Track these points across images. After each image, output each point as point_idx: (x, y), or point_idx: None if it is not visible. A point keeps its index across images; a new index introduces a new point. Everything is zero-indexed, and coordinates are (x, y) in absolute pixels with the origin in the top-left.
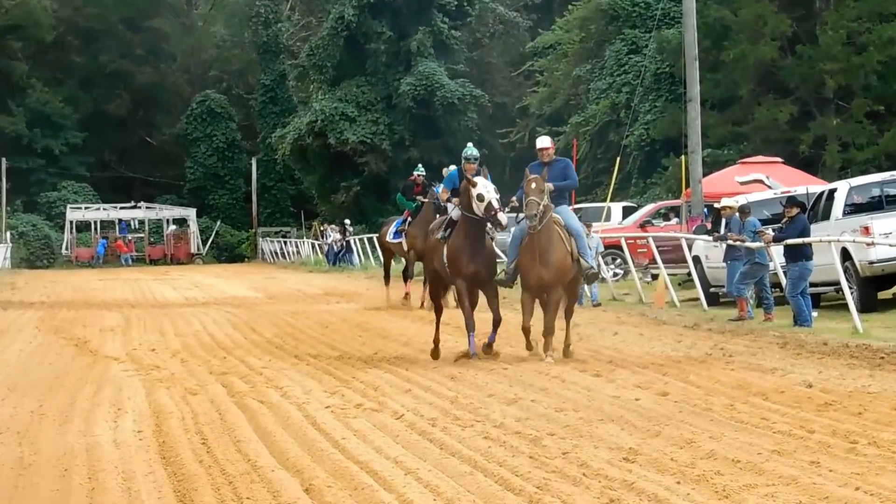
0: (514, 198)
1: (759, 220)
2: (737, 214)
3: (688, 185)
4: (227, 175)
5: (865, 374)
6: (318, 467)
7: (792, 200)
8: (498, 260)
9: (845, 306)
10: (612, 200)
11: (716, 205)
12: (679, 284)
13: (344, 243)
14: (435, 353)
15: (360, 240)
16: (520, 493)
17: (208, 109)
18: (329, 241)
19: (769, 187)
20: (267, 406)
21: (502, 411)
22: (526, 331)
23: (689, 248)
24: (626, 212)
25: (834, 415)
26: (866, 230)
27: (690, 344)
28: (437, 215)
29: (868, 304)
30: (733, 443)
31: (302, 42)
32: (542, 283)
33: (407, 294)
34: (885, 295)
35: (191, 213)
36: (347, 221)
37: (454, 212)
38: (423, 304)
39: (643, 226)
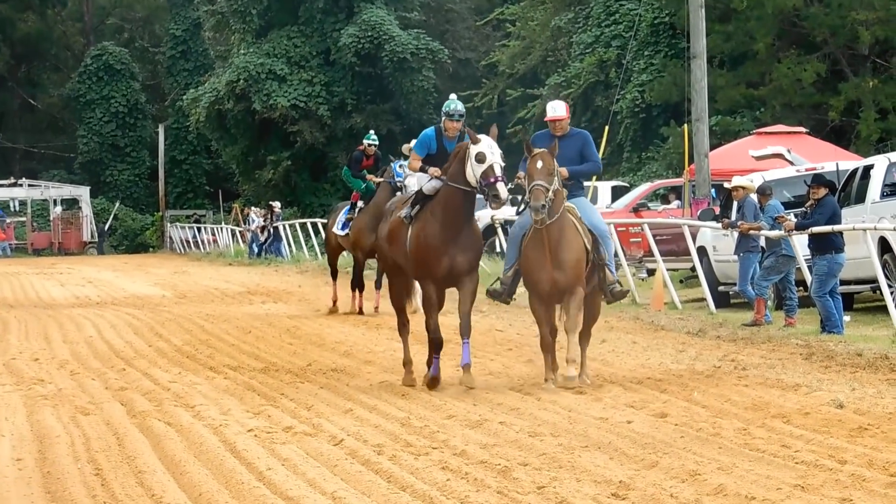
0: (521, 173)
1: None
2: (752, 196)
3: (692, 161)
4: (129, 146)
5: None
6: None
7: (819, 179)
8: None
9: (884, 308)
10: (598, 179)
11: (726, 184)
12: (681, 282)
13: (271, 230)
14: (409, 379)
15: (290, 226)
16: None
17: (105, 66)
18: (253, 227)
19: (791, 163)
20: (175, 429)
21: (464, 436)
22: (548, 346)
23: (694, 237)
24: (617, 193)
25: (870, 441)
26: None
27: (695, 354)
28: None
29: None
30: (747, 475)
31: None
32: (556, 287)
33: (360, 308)
34: None
35: (83, 193)
36: (277, 204)
37: (429, 184)
38: (360, 309)
39: (637, 210)
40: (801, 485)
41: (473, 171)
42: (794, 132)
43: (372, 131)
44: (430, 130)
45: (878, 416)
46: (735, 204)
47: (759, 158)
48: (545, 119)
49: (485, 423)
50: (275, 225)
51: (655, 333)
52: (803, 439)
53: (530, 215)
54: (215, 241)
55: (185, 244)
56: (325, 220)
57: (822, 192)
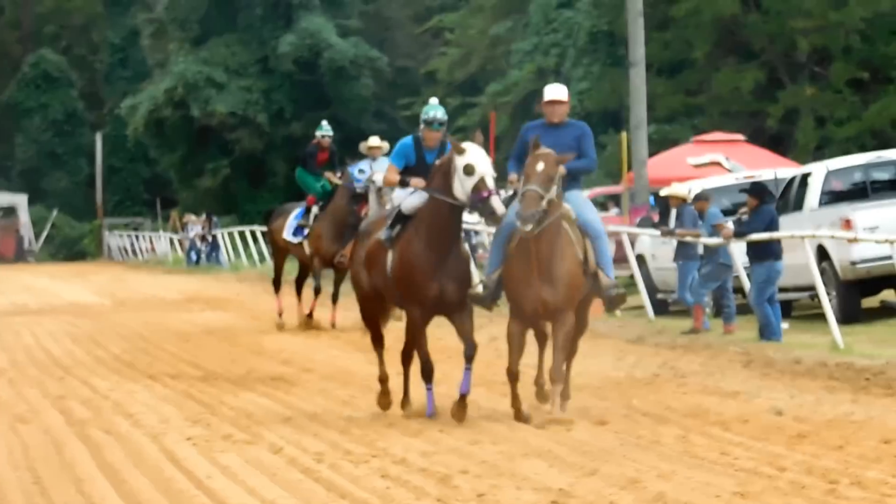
0: (513, 175)
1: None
2: (691, 204)
3: (630, 168)
4: (66, 154)
5: (847, 400)
6: None
7: (757, 187)
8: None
9: (822, 316)
10: None
11: (664, 192)
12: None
13: (210, 239)
14: (384, 400)
15: (229, 234)
16: None
17: (43, 73)
18: (191, 235)
19: (729, 170)
20: (114, 437)
21: (404, 444)
22: (513, 376)
23: (632, 244)
24: None
25: (809, 449)
26: (847, 224)
27: (634, 362)
28: (355, 206)
29: (850, 314)
30: (687, 483)
31: None
32: (544, 307)
33: (310, 313)
34: (869, 303)
35: (20, 201)
36: (207, 218)
37: (409, 199)
38: (333, 324)
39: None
40: (740, 492)
41: (462, 186)
42: (733, 140)
43: (325, 122)
44: (407, 140)
45: (817, 423)
46: (674, 211)
47: (697, 166)
48: (542, 103)
49: (425, 431)
50: (213, 233)
51: (595, 341)
52: (743, 446)
53: (516, 222)
54: (153, 248)
55: (124, 252)
56: (266, 225)
57: (760, 200)
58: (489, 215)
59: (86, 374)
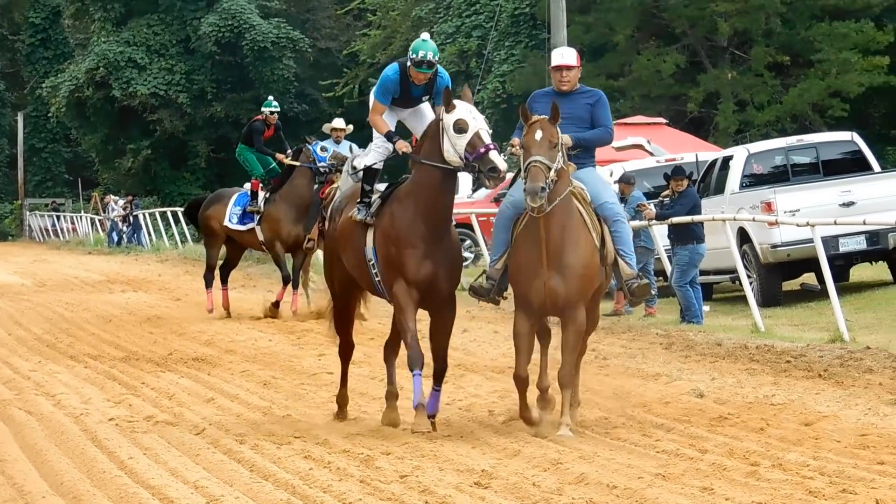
0: (515, 139)
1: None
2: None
3: None
4: None
5: (768, 382)
6: (100, 493)
7: (678, 171)
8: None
9: (743, 299)
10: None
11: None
12: None
13: (131, 219)
14: (342, 414)
15: (150, 215)
16: None
17: None
18: (113, 216)
19: (650, 154)
20: (36, 418)
21: (327, 426)
22: (522, 381)
23: None
24: None
25: (730, 431)
26: (768, 206)
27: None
28: (317, 186)
29: (771, 297)
30: (609, 464)
31: None
32: (554, 301)
33: (277, 302)
34: (790, 286)
35: None
36: (129, 199)
37: (375, 152)
38: (295, 311)
39: (498, 200)
40: (662, 474)
41: (454, 146)
42: (654, 123)
43: (271, 97)
44: (392, 71)
45: (738, 405)
46: None
47: (619, 149)
48: (549, 68)
49: (347, 412)
50: (135, 214)
51: None
52: (664, 428)
53: (525, 200)
54: (75, 229)
55: (45, 232)
56: (198, 214)
57: (683, 183)
58: (489, 172)
59: (7, 354)
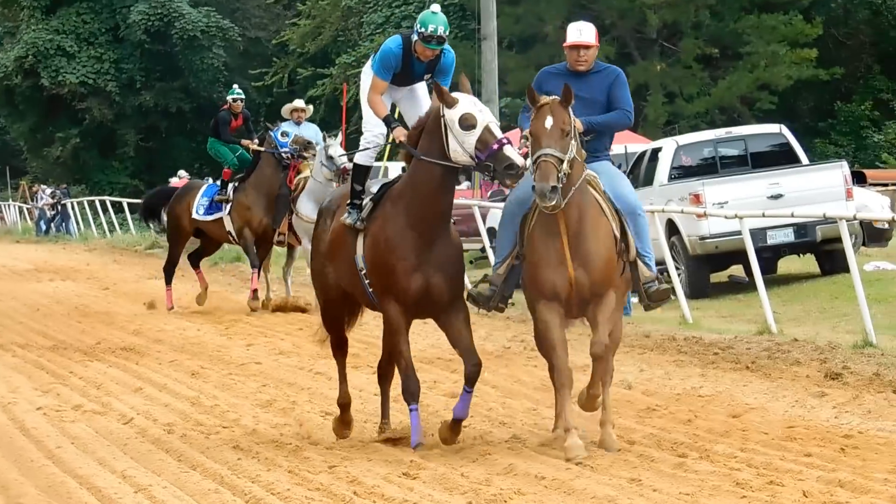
0: (525, 131)
1: None
2: None
3: None
4: None
5: (696, 374)
6: (28, 482)
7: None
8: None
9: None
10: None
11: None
12: (471, 262)
13: (59, 208)
14: (342, 427)
15: (79, 203)
16: None
17: None
18: (41, 204)
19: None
20: None
21: (255, 416)
22: (567, 379)
23: (484, 218)
24: None
25: (658, 422)
26: (697, 198)
27: (485, 335)
28: (283, 174)
29: (699, 289)
30: (537, 456)
31: None
32: (579, 292)
33: (254, 291)
34: (718, 278)
35: None
36: (59, 188)
37: (370, 146)
38: (255, 291)
39: (495, 195)
40: (590, 465)
41: (462, 144)
42: None
43: (236, 86)
44: (394, 45)
45: (666, 396)
46: None
47: None
48: (564, 45)
49: (275, 402)
50: (63, 202)
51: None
52: (592, 420)
53: (536, 199)
54: (2, 218)
55: None
56: (149, 204)
57: None
58: (506, 170)
59: None
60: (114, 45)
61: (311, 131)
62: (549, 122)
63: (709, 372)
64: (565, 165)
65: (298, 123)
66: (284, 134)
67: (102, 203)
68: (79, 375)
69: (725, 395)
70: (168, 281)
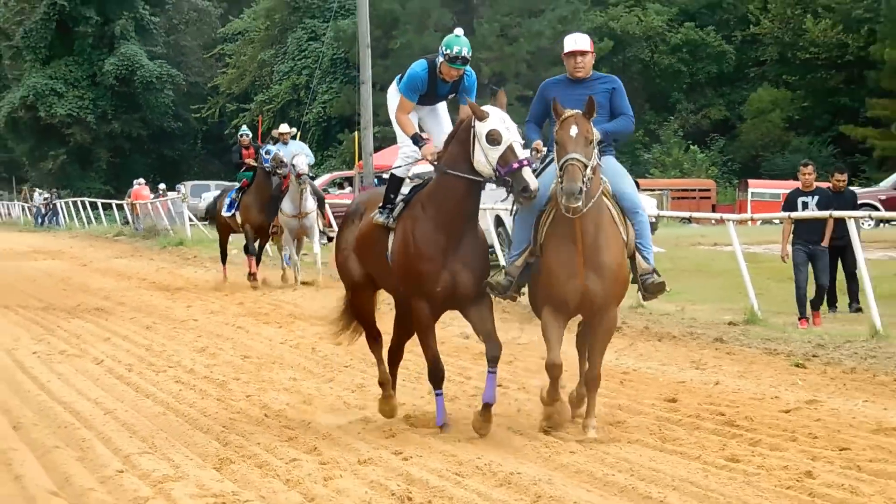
0: (538, 141)
1: None
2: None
3: (360, 158)
4: None
5: (516, 328)
6: (26, 407)
7: None
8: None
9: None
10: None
11: (385, 175)
12: None
13: (51, 206)
14: (386, 407)
15: (65, 203)
16: (208, 432)
17: None
18: (37, 203)
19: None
20: None
21: (192, 358)
22: (557, 368)
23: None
24: None
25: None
26: None
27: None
28: (271, 182)
29: None
30: (399, 389)
31: (16, 25)
32: (589, 301)
33: (253, 274)
34: None
35: None
36: (51, 192)
37: (407, 165)
38: (253, 275)
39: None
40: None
41: (487, 157)
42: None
43: (245, 126)
44: (420, 68)
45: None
46: None
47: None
48: (562, 55)
49: (208, 348)
50: (54, 202)
51: (337, 282)
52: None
53: (560, 200)
54: (10, 214)
55: None
56: (209, 206)
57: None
58: (520, 191)
59: None
60: (92, 87)
61: (297, 147)
62: (574, 130)
63: (526, 327)
64: (589, 171)
65: (285, 143)
66: (267, 152)
67: (83, 203)
68: (64, 328)
69: (538, 342)
70: (223, 260)
